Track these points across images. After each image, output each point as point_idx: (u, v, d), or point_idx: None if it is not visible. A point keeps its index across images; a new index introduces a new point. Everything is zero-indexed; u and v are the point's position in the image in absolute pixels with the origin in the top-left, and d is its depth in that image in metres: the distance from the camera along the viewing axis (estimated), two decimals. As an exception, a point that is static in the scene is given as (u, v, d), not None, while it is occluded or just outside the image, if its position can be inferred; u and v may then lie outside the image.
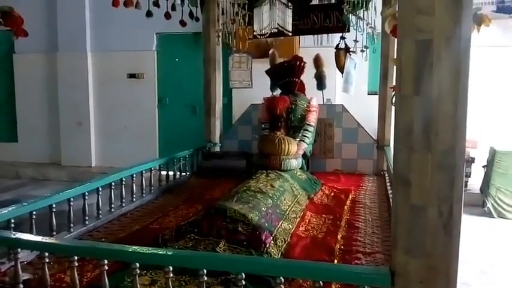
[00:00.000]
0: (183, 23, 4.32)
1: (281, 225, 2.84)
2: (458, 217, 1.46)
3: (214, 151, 5.01)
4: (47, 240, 1.94)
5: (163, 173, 4.21)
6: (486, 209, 5.83)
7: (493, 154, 5.88)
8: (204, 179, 4.44)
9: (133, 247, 1.86)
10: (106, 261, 1.85)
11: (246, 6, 4.02)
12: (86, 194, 3.04)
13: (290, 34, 3.84)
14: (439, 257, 1.47)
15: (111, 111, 7.86)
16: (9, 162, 8.12)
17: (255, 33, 3.76)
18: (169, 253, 1.79)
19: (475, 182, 6.32)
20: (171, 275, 1.77)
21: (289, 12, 3.53)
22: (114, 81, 7.77)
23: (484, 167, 6.10)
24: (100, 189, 3.19)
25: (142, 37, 7.49)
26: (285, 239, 2.66)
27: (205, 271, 1.73)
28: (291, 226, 2.91)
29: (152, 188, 3.95)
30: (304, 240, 2.75)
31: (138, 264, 1.79)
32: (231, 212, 2.61)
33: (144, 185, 3.82)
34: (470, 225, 5.46)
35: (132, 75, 7.69)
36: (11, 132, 8.37)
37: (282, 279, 1.67)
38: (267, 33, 3.59)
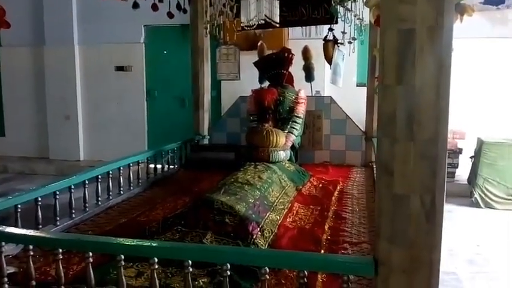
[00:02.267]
0: (170, 15, 4.28)
1: (268, 216, 2.85)
2: (440, 206, 1.46)
3: (202, 143, 5.00)
4: (30, 233, 1.92)
5: (151, 165, 4.19)
6: (473, 199, 5.88)
7: (480, 145, 5.93)
8: (193, 172, 4.43)
9: (118, 239, 1.86)
10: (91, 254, 1.84)
11: (234, -3, 3.99)
12: (72, 187, 3.02)
13: (278, 26, 3.82)
14: (421, 246, 1.47)
15: (99, 104, 7.82)
16: (-4, 156, 8.06)
17: (242, 25, 3.74)
18: (154, 245, 1.79)
19: (462, 173, 6.38)
20: (156, 266, 1.77)
21: (277, 4, 3.51)
22: (102, 74, 7.72)
23: (471, 157, 6.15)
24: (86, 182, 3.17)
25: (130, 29, 7.42)
26: (272, 230, 2.67)
27: (190, 262, 1.73)
28: (278, 217, 2.92)
29: (140, 180, 3.94)
30: (292, 231, 2.76)
31: (123, 256, 1.79)
32: (218, 204, 2.61)
33: (131, 177, 3.80)
34: (457, 216, 5.52)
35: (120, 68, 7.64)
36: (-2, 126, 8.31)
37: (267, 269, 1.67)
38: (255, 24, 3.57)
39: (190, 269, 1.74)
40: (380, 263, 1.53)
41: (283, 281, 2.08)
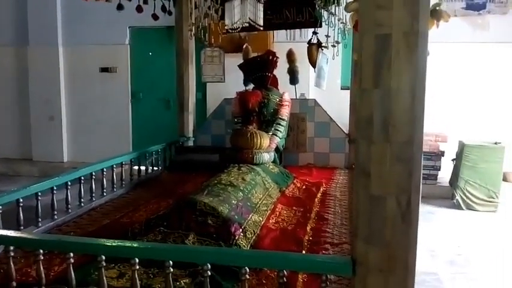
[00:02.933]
0: (155, 17, 4.29)
1: (251, 217, 2.87)
2: (416, 207, 1.50)
3: (187, 145, 5.00)
4: (11, 234, 1.92)
5: (135, 167, 4.18)
6: (455, 201, 5.97)
7: (462, 148, 6.03)
8: (177, 174, 4.43)
9: (100, 240, 1.87)
10: (72, 255, 1.85)
11: (219, 0, 4.02)
12: (55, 188, 3.01)
13: (261, 29, 3.86)
14: (397, 246, 1.51)
15: (84, 105, 7.77)
16: (-22, 158, 7.98)
17: (226, 28, 3.78)
18: (135, 245, 1.80)
19: (445, 175, 6.47)
20: (138, 267, 1.78)
21: (260, 7, 3.55)
22: (87, 75, 7.68)
23: (453, 160, 6.25)
24: (69, 183, 3.16)
25: (115, 31, 7.41)
26: (254, 231, 2.69)
27: (171, 262, 1.74)
28: (261, 218, 2.94)
29: (123, 182, 3.93)
30: (274, 232, 2.78)
31: (104, 257, 1.80)
32: (201, 205, 2.62)
33: (115, 179, 3.79)
34: (439, 217, 5.60)
35: (104, 69, 7.60)
36: (-20, 127, 8.21)
37: (247, 270, 1.70)
38: (239, 27, 3.60)
39: (171, 270, 1.75)
40: (358, 263, 1.56)
41: (264, 281, 2.10)
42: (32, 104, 7.81)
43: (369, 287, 1.54)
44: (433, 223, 5.38)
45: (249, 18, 3.46)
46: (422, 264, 4.21)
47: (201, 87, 7.06)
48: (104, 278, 1.82)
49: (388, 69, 1.44)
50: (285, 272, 1.67)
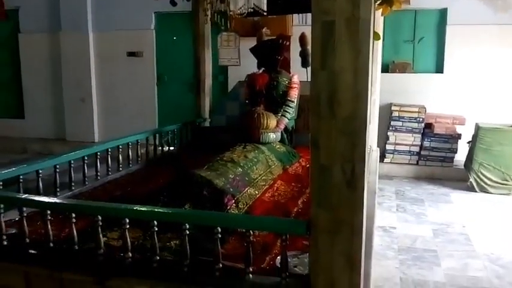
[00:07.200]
0: (173, 3, 4.52)
1: (247, 191, 3.08)
2: (360, 175, 1.68)
3: (203, 126, 5.25)
4: (21, 196, 2.23)
5: (151, 144, 4.46)
6: (469, 183, 6.03)
7: (476, 130, 6.05)
8: (192, 152, 4.67)
9: (97, 202, 2.15)
10: (74, 215, 2.14)
11: (228, -14, 4.18)
12: (72, 162, 3.32)
13: (265, 14, 4.02)
14: (343, 210, 1.70)
15: (112, 88, 8.18)
16: (17, 137, 8.55)
17: (231, 13, 3.97)
18: (124, 207, 2.07)
19: (462, 158, 6.51)
20: (128, 226, 2.05)
21: (264, -8, 3.72)
22: (115, 59, 8.08)
23: (468, 143, 6.28)
24: (86, 158, 3.48)
25: (141, 16, 7.74)
26: (247, 203, 2.91)
27: (155, 222, 2.01)
28: (257, 192, 3.15)
29: (139, 159, 4.22)
30: (267, 204, 3.00)
31: (100, 217, 2.08)
32: (198, 178, 2.87)
33: (131, 156, 4.09)
34: (451, 199, 5.68)
35: (131, 54, 7.97)
36: (18, 109, 8.77)
37: (219, 229, 1.94)
38: (244, 12, 3.79)
39: (156, 228, 2.02)
40: (312, 225, 1.77)
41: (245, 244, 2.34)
42: (65, 86, 8.29)
43: (320, 245, 1.75)
44: (444, 205, 5.48)
45: (254, 3, 3.63)
46: (424, 242, 4.36)
47: (223, 70, 7.31)
48: (100, 234, 2.10)
49: (332, 52, 1.63)
50: (251, 232, 1.90)
